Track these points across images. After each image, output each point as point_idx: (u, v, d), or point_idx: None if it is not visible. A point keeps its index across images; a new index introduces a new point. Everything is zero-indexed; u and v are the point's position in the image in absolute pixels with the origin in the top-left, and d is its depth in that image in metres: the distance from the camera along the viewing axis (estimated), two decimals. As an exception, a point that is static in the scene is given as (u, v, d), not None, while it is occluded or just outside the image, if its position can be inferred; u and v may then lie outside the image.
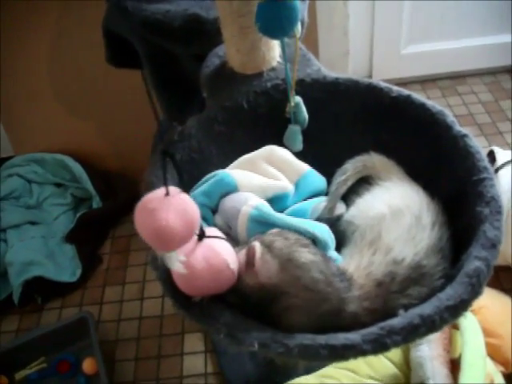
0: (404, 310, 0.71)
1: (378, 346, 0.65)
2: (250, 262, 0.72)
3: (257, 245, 0.72)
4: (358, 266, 0.77)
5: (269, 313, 0.72)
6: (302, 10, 1.13)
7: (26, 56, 1.82)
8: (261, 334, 0.66)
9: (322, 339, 0.65)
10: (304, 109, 0.93)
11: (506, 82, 2.32)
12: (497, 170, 1.58)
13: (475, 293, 0.68)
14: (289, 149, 0.95)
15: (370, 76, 2.32)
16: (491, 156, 1.65)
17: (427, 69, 2.34)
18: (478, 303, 1.38)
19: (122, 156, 2.06)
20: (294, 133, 0.95)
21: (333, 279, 0.73)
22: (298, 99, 0.93)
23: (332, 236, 0.82)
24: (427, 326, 0.65)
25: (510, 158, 1.59)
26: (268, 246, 0.73)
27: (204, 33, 1.09)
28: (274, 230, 0.76)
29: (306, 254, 0.72)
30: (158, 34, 1.14)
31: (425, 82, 2.36)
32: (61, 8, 1.70)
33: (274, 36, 0.86)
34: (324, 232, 0.80)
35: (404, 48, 2.27)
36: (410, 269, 0.76)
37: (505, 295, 1.50)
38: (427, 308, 0.67)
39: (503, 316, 1.41)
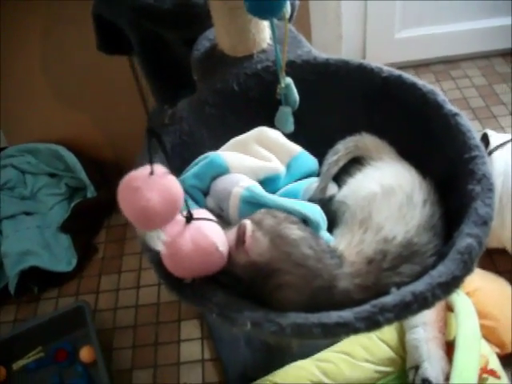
0: (396, 288, 0.71)
1: (371, 323, 0.65)
2: (240, 239, 0.72)
3: (247, 222, 0.72)
4: (349, 244, 0.78)
5: (261, 292, 0.72)
6: (293, -9, 1.13)
7: (19, 47, 1.81)
8: (253, 313, 0.67)
9: (314, 318, 0.66)
10: (295, 90, 0.93)
11: (499, 66, 2.31)
12: (490, 153, 1.58)
13: (467, 269, 0.68)
14: (280, 130, 0.95)
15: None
16: (485, 139, 1.65)
17: (421, 53, 2.33)
18: (473, 285, 1.41)
19: (115, 145, 2.05)
20: (285, 114, 0.94)
21: (323, 255, 0.73)
22: (289, 80, 0.92)
23: (324, 216, 0.82)
24: (419, 302, 0.65)
25: (503, 141, 1.60)
26: (258, 224, 0.73)
27: (194, 16, 1.08)
28: (263, 210, 0.76)
29: (296, 231, 0.73)
30: (149, 19, 1.13)
31: (418, 66, 2.35)
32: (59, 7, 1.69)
33: (262, 16, 0.85)
34: (316, 212, 0.80)
35: (398, 32, 2.26)
36: (402, 247, 0.76)
37: (499, 278, 1.50)
38: (419, 285, 0.67)
39: (498, 298, 1.42)
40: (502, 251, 1.62)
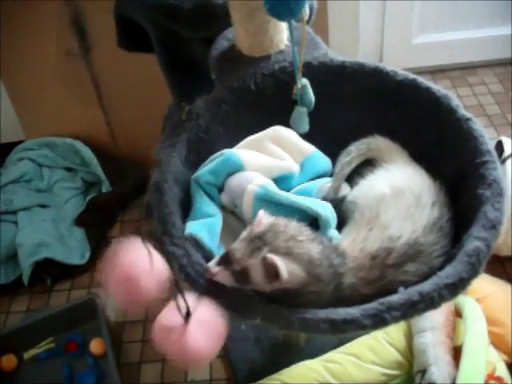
0: (404, 287, 0.72)
1: (378, 320, 0.66)
2: (271, 275, 0.71)
3: (275, 258, 0.71)
4: (353, 241, 0.79)
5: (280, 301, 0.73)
6: (311, -6, 1.15)
7: (36, 41, 1.83)
8: (263, 307, 0.68)
9: (322, 313, 0.67)
10: (310, 91, 0.94)
11: (516, 74, 2.31)
12: (504, 160, 1.58)
13: (474, 272, 0.69)
14: (295, 130, 0.96)
15: (380, 65, 2.32)
16: (499, 146, 1.66)
17: (438, 59, 2.33)
18: (483, 292, 1.41)
19: (131, 141, 2.06)
20: (301, 114, 0.96)
21: (332, 258, 0.75)
22: (305, 81, 0.94)
23: (334, 215, 0.83)
24: (426, 302, 0.67)
25: (517, 148, 1.60)
26: (287, 254, 0.72)
27: (214, 16, 1.09)
28: (269, 224, 0.75)
29: (314, 245, 0.74)
30: (169, 18, 1.15)
31: (435, 72, 2.35)
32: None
33: (281, 18, 0.86)
34: (326, 210, 0.81)
35: (415, 38, 2.26)
36: (407, 245, 0.77)
37: (510, 285, 1.50)
38: (426, 285, 0.68)
39: (508, 305, 1.41)
40: (513, 259, 1.62)
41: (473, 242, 0.71)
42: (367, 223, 0.82)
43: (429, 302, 0.67)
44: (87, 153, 1.93)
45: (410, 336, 1.32)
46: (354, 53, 2.08)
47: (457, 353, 1.22)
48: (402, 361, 1.30)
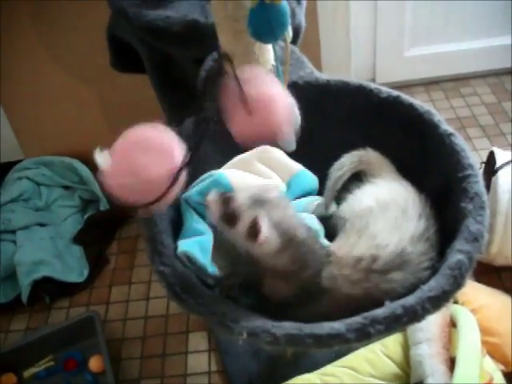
0: (389, 299, 0.73)
1: (362, 334, 0.68)
2: (252, 234, 0.75)
3: (264, 223, 0.75)
4: (341, 246, 0.81)
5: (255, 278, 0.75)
6: (298, 14, 1.17)
7: (34, 60, 1.86)
8: (250, 323, 0.69)
9: (307, 328, 0.68)
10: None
11: (509, 84, 2.32)
12: (496, 171, 1.60)
13: (457, 284, 0.71)
14: (282, 148, 0.98)
15: (374, 79, 2.34)
16: (491, 157, 1.67)
17: (430, 71, 2.35)
18: (479, 302, 1.42)
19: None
20: None
21: (314, 246, 0.79)
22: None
23: (321, 227, 0.85)
24: (409, 315, 0.68)
25: (508, 159, 1.61)
26: (275, 225, 0.76)
27: (202, 37, 1.11)
28: (277, 197, 0.80)
29: (303, 233, 0.77)
30: (159, 39, 1.17)
31: (428, 84, 2.37)
32: (69, 12, 1.74)
33: (264, 40, 0.89)
34: (314, 222, 0.83)
35: (407, 50, 2.28)
36: (394, 254, 0.79)
37: (506, 294, 1.51)
38: (410, 299, 0.70)
39: (504, 315, 1.42)
40: (509, 268, 1.63)
41: (455, 256, 0.73)
42: (357, 232, 0.84)
43: (412, 315, 0.68)
44: (85, 171, 1.96)
45: (406, 348, 1.32)
46: (346, 68, 2.10)
47: (453, 364, 1.23)
48: (399, 373, 1.30)
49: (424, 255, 0.80)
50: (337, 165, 0.96)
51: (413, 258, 0.79)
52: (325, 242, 0.84)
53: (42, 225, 1.91)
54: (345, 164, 0.95)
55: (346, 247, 0.82)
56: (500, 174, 1.58)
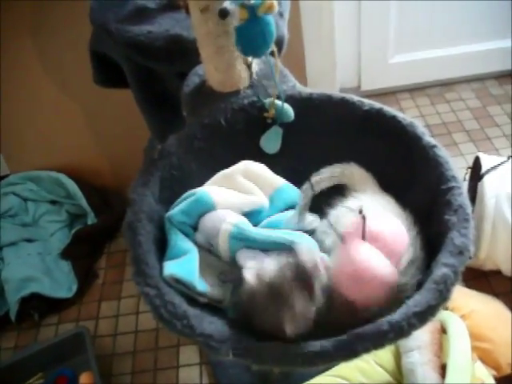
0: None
1: (349, 352, 0.67)
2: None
3: None
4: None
5: None
6: (281, 26, 1.17)
7: (20, 75, 1.86)
8: (235, 343, 0.69)
9: (294, 348, 0.68)
10: (286, 105, 0.97)
11: (493, 88, 2.35)
12: (482, 176, 1.61)
13: (443, 298, 0.70)
14: (265, 150, 0.99)
15: (359, 86, 2.35)
16: (477, 162, 1.68)
17: (415, 77, 2.37)
18: (469, 308, 1.42)
19: (116, 172, 2.09)
20: (276, 134, 0.98)
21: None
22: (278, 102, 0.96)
23: (313, 240, 0.84)
24: (396, 331, 0.68)
25: (494, 164, 1.62)
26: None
27: (185, 52, 1.11)
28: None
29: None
30: (141, 55, 1.17)
31: (413, 90, 2.39)
32: (53, 25, 1.73)
33: (258, 54, 0.90)
34: (302, 237, 0.83)
35: (391, 57, 2.30)
36: None
37: (496, 300, 1.51)
38: (396, 315, 0.69)
39: (494, 320, 1.43)
40: (498, 273, 1.64)
41: (440, 269, 0.72)
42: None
43: (398, 331, 0.68)
44: (72, 185, 1.95)
45: (398, 356, 1.32)
46: (332, 77, 2.11)
47: (445, 371, 1.23)
48: (391, 381, 1.30)
49: (413, 278, 0.79)
50: (315, 173, 0.95)
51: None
52: (325, 256, 0.83)
53: (29, 240, 1.90)
54: (323, 172, 0.95)
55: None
56: (486, 179, 1.59)
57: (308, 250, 0.73)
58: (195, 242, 0.87)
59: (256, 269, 0.74)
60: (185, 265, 0.81)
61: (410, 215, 0.85)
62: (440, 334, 1.31)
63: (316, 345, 0.68)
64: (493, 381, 1.28)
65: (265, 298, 0.71)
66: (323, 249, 0.86)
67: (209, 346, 0.69)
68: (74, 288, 1.79)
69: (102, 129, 2.01)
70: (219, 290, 0.83)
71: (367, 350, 0.68)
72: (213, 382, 1.54)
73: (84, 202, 1.92)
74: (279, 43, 1.16)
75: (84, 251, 1.91)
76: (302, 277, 0.71)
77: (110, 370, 1.61)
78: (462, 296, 1.48)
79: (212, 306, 0.81)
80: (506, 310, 1.47)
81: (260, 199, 0.91)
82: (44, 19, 1.72)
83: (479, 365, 1.28)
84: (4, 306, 1.73)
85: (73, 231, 1.87)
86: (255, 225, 0.88)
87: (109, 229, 1.95)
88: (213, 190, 0.89)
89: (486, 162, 1.65)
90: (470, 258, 1.38)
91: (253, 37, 0.88)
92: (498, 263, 1.61)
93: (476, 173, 1.67)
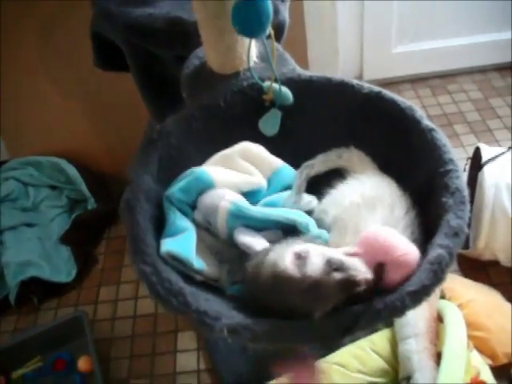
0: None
1: (344, 330, 0.68)
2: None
3: None
4: (338, 244, 0.80)
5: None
6: (282, 11, 1.17)
7: (21, 61, 1.86)
8: (230, 320, 0.69)
9: (289, 325, 0.68)
10: (284, 88, 0.97)
11: (495, 80, 2.34)
12: (482, 166, 1.61)
13: (437, 279, 0.70)
14: (264, 132, 0.99)
15: (361, 76, 2.34)
16: (477, 152, 1.68)
17: (417, 68, 2.37)
18: (466, 297, 1.42)
19: (116, 158, 2.08)
20: (275, 116, 0.98)
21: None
22: (276, 85, 0.96)
23: (311, 219, 0.85)
24: (389, 310, 0.68)
25: (494, 155, 1.62)
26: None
27: (186, 34, 1.11)
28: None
29: None
30: (142, 37, 1.17)
31: (415, 80, 2.39)
32: (54, 12, 1.73)
33: (255, 35, 0.90)
34: (301, 215, 0.83)
35: (394, 47, 2.29)
36: None
37: (493, 289, 1.52)
38: (390, 293, 0.70)
39: (491, 310, 1.44)
40: (497, 263, 1.64)
41: (435, 250, 0.73)
42: (340, 230, 0.83)
43: (392, 310, 0.68)
44: (72, 171, 1.96)
45: (394, 343, 1.33)
46: (334, 65, 2.11)
47: (440, 358, 1.23)
48: (387, 368, 1.31)
49: None
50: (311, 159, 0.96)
51: None
52: (324, 233, 0.84)
53: (29, 225, 1.91)
54: (318, 157, 0.95)
55: (332, 243, 0.81)
56: (486, 169, 1.59)
57: (359, 265, 0.73)
58: (193, 221, 0.87)
59: (296, 258, 0.73)
60: (182, 242, 0.82)
61: (410, 198, 0.85)
62: (436, 323, 1.32)
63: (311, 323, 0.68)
64: (488, 369, 1.28)
65: (298, 285, 0.70)
66: (322, 227, 0.87)
67: (203, 322, 0.70)
68: (74, 273, 1.80)
69: (102, 115, 2.01)
70: (215, 269, 0.84)
71: (361, 328, 0.68)
72: (210, 368, 1.55)
73: (84, 188, 1.92)
74: (280, 27, 1.16)
75: (84, 236, 1.91)
76: (348, 286, 0.70)
77: (108, 354, 1.62)
78: (459, 286, 1.49)
79: (207, 285, 0.81)
80: (503, 301, 1.48)
81: (258, 180, 0.91)
82: (44, 5, 1.71)
83: (475, 354, 1.29)
84: (4, 290, 1.73)
85: (73, 216, 1.88)
86: (253, 205, 0.88)
87: (108, 214, 1.95)
88: (212, 169, 0.89)
89: (486, 152, 1.65)
90: (468, 247, 1.39)
91: (248, 16, 0.87)
92: (497, 253, 1.61)
93: (476, 163, 1.67)
